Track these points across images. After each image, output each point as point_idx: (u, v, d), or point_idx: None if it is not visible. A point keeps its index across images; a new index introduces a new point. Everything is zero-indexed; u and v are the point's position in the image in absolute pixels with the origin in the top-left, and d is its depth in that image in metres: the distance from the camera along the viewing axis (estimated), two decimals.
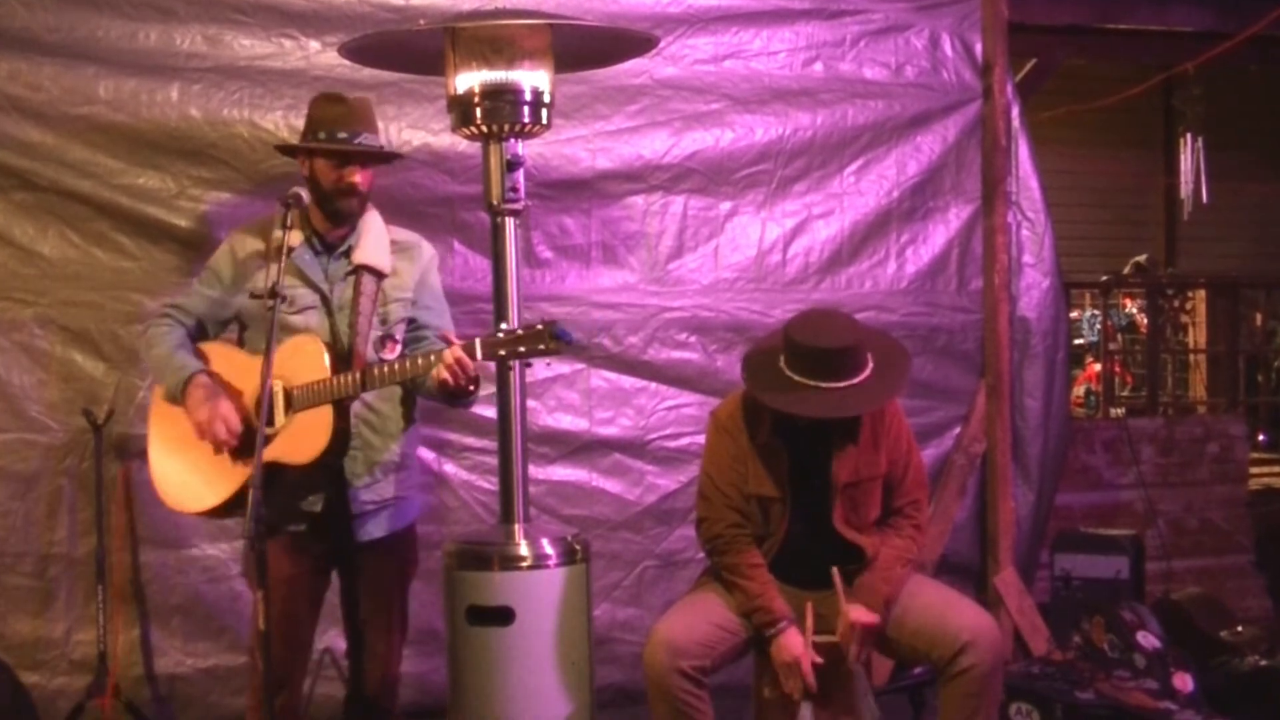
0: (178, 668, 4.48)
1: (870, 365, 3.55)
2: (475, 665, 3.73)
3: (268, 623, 3.10)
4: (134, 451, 4.37)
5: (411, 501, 3.71)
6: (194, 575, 4.48)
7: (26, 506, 4.39)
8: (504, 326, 3.36)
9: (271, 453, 3.33)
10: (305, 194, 3.44)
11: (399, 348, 3.52)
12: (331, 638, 4.31)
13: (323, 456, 3.38)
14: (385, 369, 3.39)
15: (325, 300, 3.51)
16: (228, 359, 3.56)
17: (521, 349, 3.29)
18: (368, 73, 4.46)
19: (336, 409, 3.38)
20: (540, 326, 3.27)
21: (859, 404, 3.52)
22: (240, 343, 3.65)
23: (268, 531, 3.27)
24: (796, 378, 3.50)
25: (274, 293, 3.22)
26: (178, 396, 3.46)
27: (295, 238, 3.48)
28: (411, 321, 3.63)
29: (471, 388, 3.41)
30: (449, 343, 3.34)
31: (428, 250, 3.74)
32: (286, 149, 3.72)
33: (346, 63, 4.35)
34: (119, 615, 4.40)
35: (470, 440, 4.71)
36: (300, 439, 3.38)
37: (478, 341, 3.31)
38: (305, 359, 3.39)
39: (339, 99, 3.59)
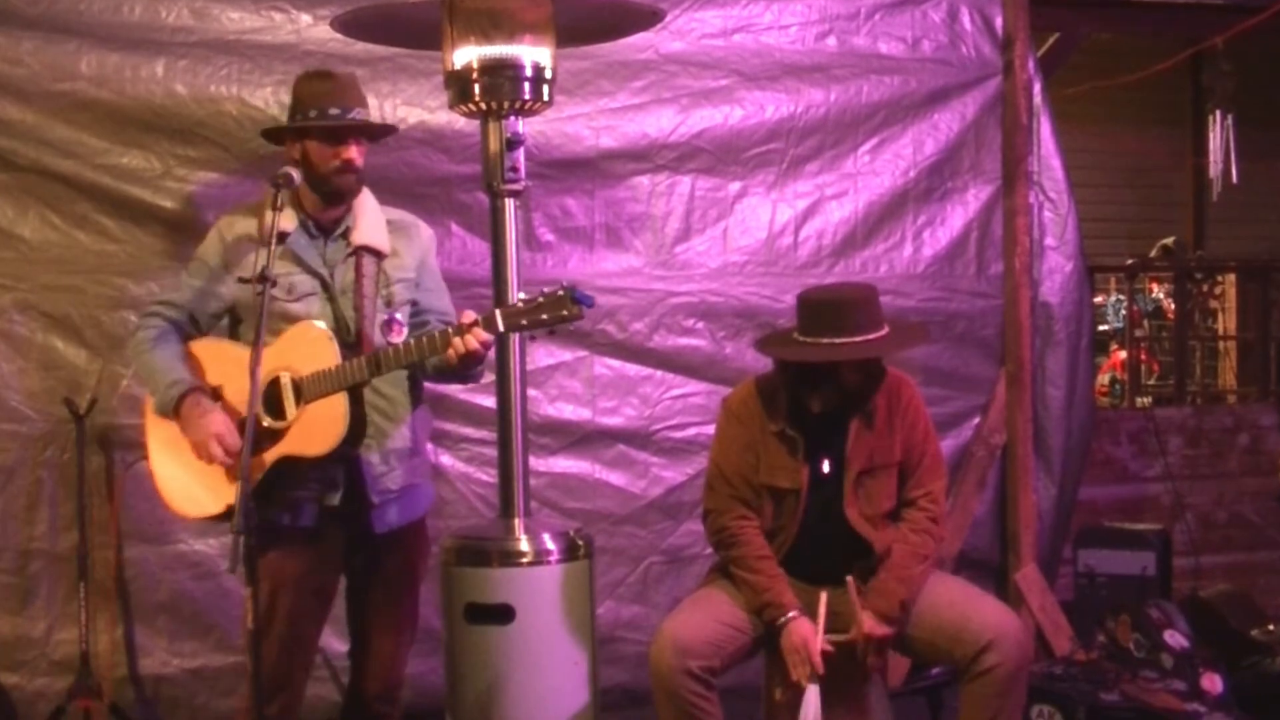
0: (163, 668, 4.44)
1: (885, 329, 3.56)
2: (474, 665, 3.68)
3: (256, 621, 3.03)
4: (118, 443, 4.36)
5: (424, 489, 3.67)
6: (180, 572, 4.43)
7: (5, 500, 4.34)
8: (523, 295, 3.33)
9: (285, 447, 3.30)
10: (296, 173, 3.37)
11: (405, 331, 3.46)
12: (325, 636, 4.20)
13: (340, 447, 3.33)
14: (400, 349, 3.32)
15: (325, 285, 3.44)
16: (222, 355, 3.47)
17: (544, 317, 3.24)
18: (361, 47, 4.42)
19: (351, 396, 3.32)
20: (560, 292, 3.22)
21: (868, 350, 3.51)
22: (234, 337, 3.56)
23: (278, 532, 3.34)
24: (808, 339, 3.52)
25: (263, 277, 3.12)
26: (169, 415, 3.38)
27: (289, 222, 3.43)
28: (414, 304, 3.58)
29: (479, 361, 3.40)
30: (464, 326, 3.26)
31: (426, 231, 3.69)
32: (274, 131, 3.62)
33: (339, 37, 4.30)
34: (102, 614, 4.35)
35: (468, 431, 4.66)
36: (314, 430, 3.31)
37: (498, 313, 3.28)
38: (311, 347, 3.32)
39: (326, 75, 3.55)
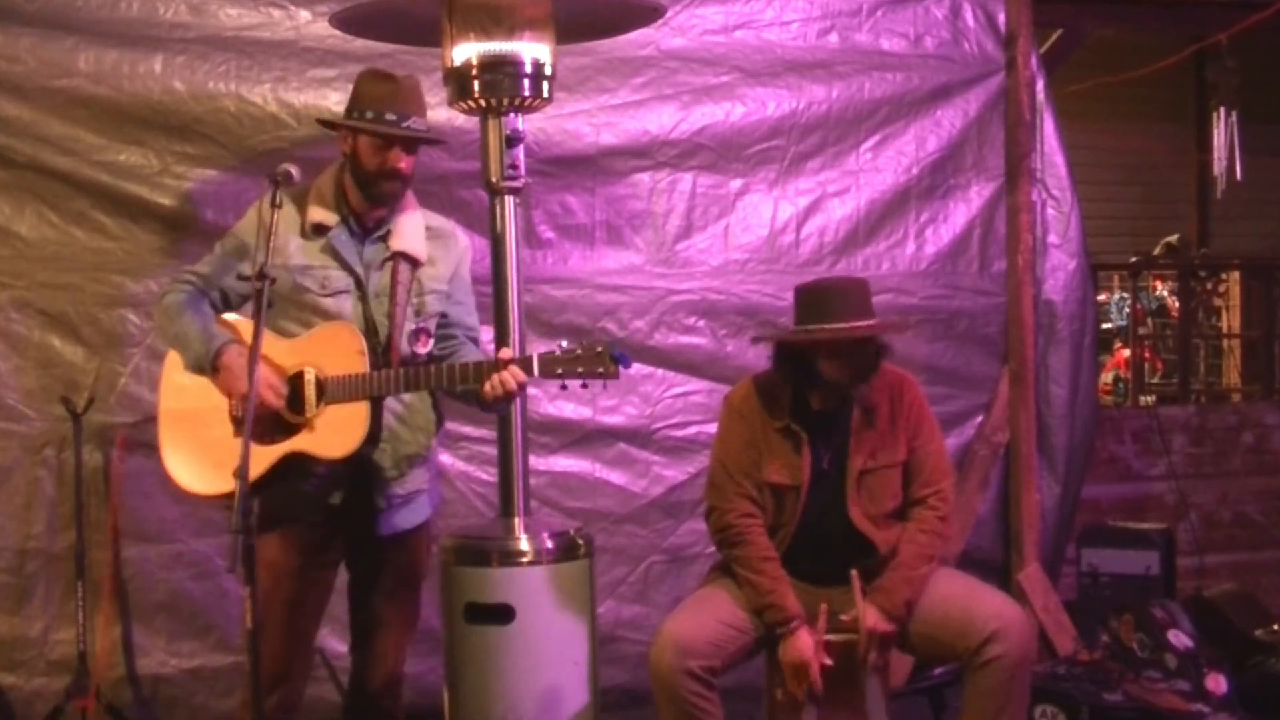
0: (161, 668, 4.44)
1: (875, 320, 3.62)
2: (473, 665, 3.67)
3: (255, 621, 2.98)
4: (115, 441, 4.33)
5: (432, 494, 3.67)
6: (179, 571, 4.42)
7: (2, 499, 4.34)
8: (563, 344, 3.32)
9: (298, 443, 3.30)
10: (295, 171, 3.28)
11: (431, 342, 3.47)
12: (323, 636, 4.19)
13: (355, 452, 3.32)
14: (434, 372, 3.32)
15: (360, 285, 3.43)
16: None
17: (580, 369, 3.27)
18: (360, 44, 4.41)
19: (373, 404, 3.32)
20: (600, 349, 3.26)
21: (853, 333, 3.52)
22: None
23: (278, 523, 3.32)
24: (801, 328, 3.55)
25: (262, 274, 3.08)
26: (207, 367, 3.34)
27: (331, 217, 3.42)
28: (443, 316, 3.56)
29: None
30: (500, 362, 3.28)
31: (462, 240, 3.67)
32: (329, 124, 3.60)
33: (338, 33, 4.29)
34: (100, 613, 4.34)
35: (468, 429, 4.63)
36: (331, 433, 3.30)
37: (535, 358, 3.30)
38: (340, 348, 3.31)
39: (389, 77, 3.51)
